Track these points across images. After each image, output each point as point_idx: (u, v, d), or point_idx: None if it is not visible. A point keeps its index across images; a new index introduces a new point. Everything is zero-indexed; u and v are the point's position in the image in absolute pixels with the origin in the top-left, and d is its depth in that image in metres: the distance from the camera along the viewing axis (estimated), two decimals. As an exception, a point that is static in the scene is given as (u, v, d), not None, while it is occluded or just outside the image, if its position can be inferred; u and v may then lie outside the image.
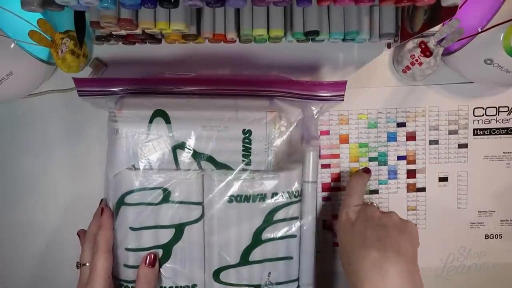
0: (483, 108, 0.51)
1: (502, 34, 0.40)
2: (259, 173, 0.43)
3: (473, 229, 0.52)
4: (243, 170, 0.43)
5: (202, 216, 0.45)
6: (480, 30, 0.41)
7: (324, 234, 0.52)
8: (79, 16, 0.43)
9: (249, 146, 0.42)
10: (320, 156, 0.50)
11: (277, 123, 0.42)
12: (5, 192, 0.52)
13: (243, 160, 0.43)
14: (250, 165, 0.43)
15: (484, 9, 0.41)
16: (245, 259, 0.45)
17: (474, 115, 0.51)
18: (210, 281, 0.45)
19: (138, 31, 0.43)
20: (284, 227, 0.45)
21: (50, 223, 0.52)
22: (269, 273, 0.45)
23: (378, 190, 0.51)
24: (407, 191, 0.51)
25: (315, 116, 0.45)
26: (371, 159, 0.51)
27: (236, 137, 0.42)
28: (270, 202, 0.44)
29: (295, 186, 0.44)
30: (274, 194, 0.44)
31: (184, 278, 0.45)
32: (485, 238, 0.52)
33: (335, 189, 0.51)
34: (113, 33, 0.44)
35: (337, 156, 0.51)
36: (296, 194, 0.44)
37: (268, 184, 0.43)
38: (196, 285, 0.46)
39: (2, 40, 0.40)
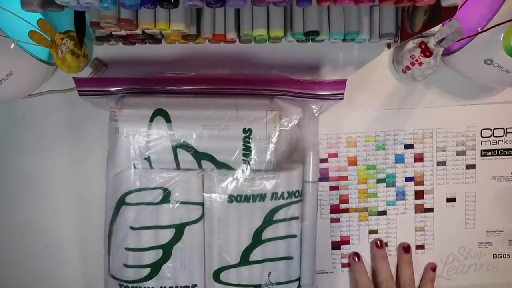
0: (491, 129, 0.51)
1: (502, 34, 0.40)
2: (259, 173, 0.43)
3: (481, 248, 0.52)
4: (244, 169, 0.43)
5: (202, 216, 0.45)
6: (480, 30, 0.41)
7: (333, 254, 0.52)
8: (79, 17, 0.43)
9: (250, 145, 0.42)
10: (329, 178, 0.51)
11: (277, 122, 0.42)
12: (4, 192, 0.52)
13: (243, 159, 0.43)
14: (250, 164, 0.43)
15: (484, 9, 0.41)
16: (245, 259, 0.45)
17: (481, 136, 0.51)
18: (210, 281, 0.45)
19: (138, 31, 0.43)
20: (284, 227, 0.45)
21: (50, 223, 0.52)
22: (269, 273, 0.45)
23: (386, 211, 0.52)
24: (415, 212, 0.52)
25: (316, 115, 0.45)
26: (379, 181, 0.51)
27: (236, 136, 0.42)
28: (270, 202, 0.44)
29: (296, 186, 0.44)
30: (274, 194, 0.44)
31: (184, 278, 0.45)
32: (493, 258, 0.52)
33: (344, 211, 0.52)
34: (113, 33, 0.44)
35: (345, 178, 0.51)
36: (297, 194, 0.44)
37: (268, 184, 0.43)
38: (196, 285, 0.46)
39: (2, 40, 0.40)
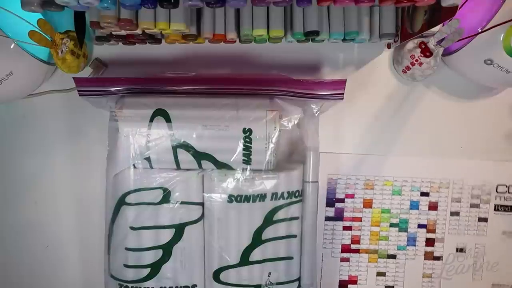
0: (506, 186, 0.52)
1: (502, 34, 0.40)
2: (259, 173, 0.43)
3: None
4: (244, 169, 0.43)
5: (202, 216, 0.45)
6: (480, 30, 0.41)
7: None
8: (79, 16, 0.43)
9: (250, 145, 0.42)
10: (343, 218, 0.51)
11: (277, 122, 0.42)
12: (5, 192, 0.52)
13: (243, 159, 0.43)
14: (250, 164, 0.43)
15: (484, 9, 0.41)
16: (245, 259, 0.45)
17: (496, 191, 0.52)
18: (210, 281, 0.46)
19: (138, 31, 0.43)
20: (284, 227, 0.45)
21: (50, 223, 0.52)
22: (269, 273, 0.45)
23: (396, 255, 0.52)
24: (424, 259, 0.52)
25: (316, 115, 0.45)
26: (392, 225, 0.52)
27: (236, 136, 0.42)
28: (270, 202, 0.44)
29: (296, 186, 0.44)
30: (274, 194, 0.44)
31: (184, 278, 0.45)
32: None
33: (354, 251, 0.52)
34: (113, 33, 0.44)
35: (359, 219, 0.52)
36: (297, 194, 0.44)
37: (268, 184, 0.43)
38: (196, 285, 0.46)
39: (2, 40, 0.40)
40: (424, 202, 0.51)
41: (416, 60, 0.46)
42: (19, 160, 0.51)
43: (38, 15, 0.43)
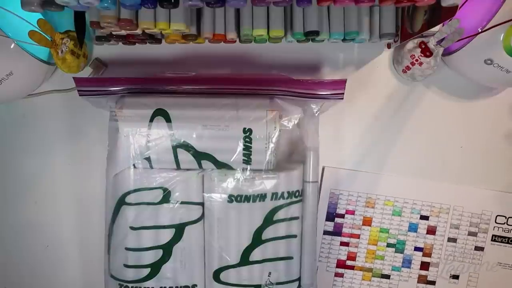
0: (505, 217, 0.52)
1: (502, 34, 0.40)
2: (259, 173, 0.43)
3: None
4: (244, 169, 0.43)
5: (202, 216, 0.45)
6: (480, 30, 0.41)
7: None
8: (79, 16, 0.43)
9: (250, 145, 0.42)
10: (341, 234, 0.52)
11: (277, 122, 0.42)
12: (5, 192, 0.52)
13: (243, 159, 0.43)
14: (250, 164, 0.43)
15: (484, 9, 0.41)
16: (245, 259, 0.45)
17: (495, 222, 0.52)
18: (210, 281, 0.45)
19: (138, 31, 0.43)
20: (284, 227, 0.45)
21: (50, 223, 0.52)
22: (270, 273, 0.45)
23: (389, 276, 0.52)
24: (418, 282, 0.52)
25: (316, 115, 0.45)
26: (389, 245, 0.52)
27: (236, 136, 0.42)
28: (270, 202, 0.44)
29: (296, 186, 0.44)
30: (274, 194, 0.44)
31: (184, 278, 0.45)
32: None
33: (349, 267, 0.52)
34: (113, 33, 0.44)
35: (357, 236, 0.52)
36: (297, 194, 0.44)
37: (268, 184, 0.43)
38: (196, 285, 0.46)
39: (2, 40, 0.40)
40: (423, 225, 0.52)
41: (416, 60, 0.46)
42: (19, 160, 0.51)
43: (38, 15, 0.43)
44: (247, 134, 0.42)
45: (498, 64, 0.41)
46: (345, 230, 0.52)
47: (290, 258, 0.45)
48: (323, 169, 0.51)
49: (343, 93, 0.44)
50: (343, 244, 0.52)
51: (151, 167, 0.43)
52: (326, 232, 0.52)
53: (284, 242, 0.45)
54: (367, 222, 0.52)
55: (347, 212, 0.52)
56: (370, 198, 0.51)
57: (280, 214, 0.44)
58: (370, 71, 0.50)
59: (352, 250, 0.52)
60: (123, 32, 0.44)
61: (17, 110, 0.50)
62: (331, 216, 0.51)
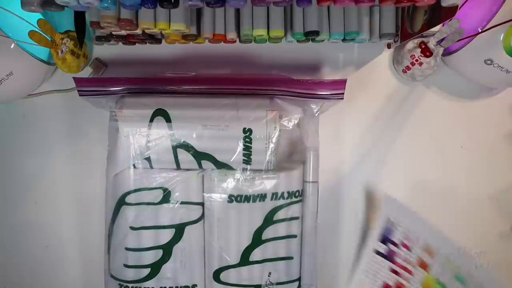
0: None
1: (502, 34, 0.40)
2: (259, 173, 0.43)
3: None
4: (244, 169, 0.43)
5: (202, 216, 0.45)
6: (480, 30, 0.41)
7: None
8: (79, 16, 0.43)
9: (250, 145, 0.42)
10: (393, 261, 0.48)
11: (277, 122, 0.42)
12: (5, 192, 0.52)
13: (243, 159, 0.43)
14: (250, 164, 0.43)
15: (484, 9, 0.41)
16: (245, 259, 0.45)
17: None
18: (210, 281, 0.45)
19: (138, 31, 0.43)
20: (284, 227, 0.45)
21: (50, 223, 0.52)
22: (270, 273, 0.45)
23: None
24: None
25: (316, 115, 0.45)
26: None
27: (236, 136, 0.42)
28: (271, 202, 0.44)
29: (296, 186, 0.44)
30: (275, 194, 0.44)
31: (184, 278, 0.45)
32: None
33: None
34: (113, 33, 0.44)
35: (409, 271, 0.47)
36: (297, 194, 0.44)
37: (269, 184, 0.43)
38: (196, 285, 0.46)
39: (2, 40, 0.40)
40: None
41: (416, 60, 0.46)
42: (19, 160, 0.51)
43: (38, 15, 0.43)
44: (247, 134, 0.42)
45: (498, 64, 0.41)
46: (397, 259, 0.48)
47: (290, 258, 0.45)
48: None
49: (343, 93, 0.44)
50: (393, 271, 0.48)
51: (151, 167, 0.43)
52: (378, 253, 0.47)
53: (284, 242, 0.45)
54: (422, 265, 0.48)
55: (403, 245, 0.48)
56: (428, 246, 0.48)
57: (280, 214, 0.44)
58: (370, 71, 0.50)
59: (402, 282, 0.47)
60: (123, 32, 0.44)
61: (17, 110, 0.50)
62: (385, 238, 0.48)
